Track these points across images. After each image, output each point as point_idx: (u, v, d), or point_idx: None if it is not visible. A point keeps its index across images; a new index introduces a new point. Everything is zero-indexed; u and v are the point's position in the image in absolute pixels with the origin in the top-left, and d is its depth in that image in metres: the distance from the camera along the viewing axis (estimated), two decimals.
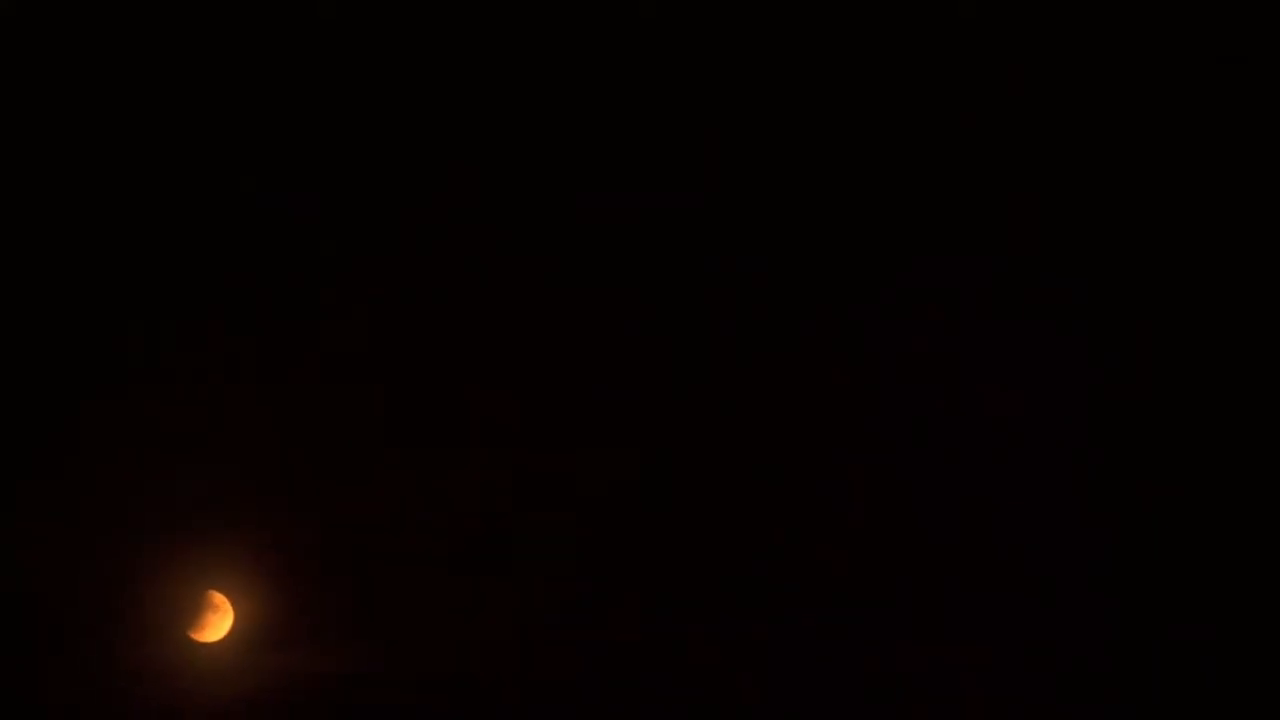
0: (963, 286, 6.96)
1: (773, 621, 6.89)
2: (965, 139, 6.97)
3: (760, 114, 7.01)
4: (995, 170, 6.97)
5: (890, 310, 6.96)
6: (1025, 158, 6.97)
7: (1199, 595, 6.79)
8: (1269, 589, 6.77)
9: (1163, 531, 6.84)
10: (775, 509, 6.95)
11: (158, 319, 6.94)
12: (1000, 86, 6.96)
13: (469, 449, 6.98)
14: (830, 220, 7.01)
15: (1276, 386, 6.85)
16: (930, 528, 6.91)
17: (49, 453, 6.87)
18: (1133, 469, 6.88)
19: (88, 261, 6.94)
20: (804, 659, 6.86)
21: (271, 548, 6.91)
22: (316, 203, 6.98)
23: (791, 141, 7.01)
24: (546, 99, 7.00)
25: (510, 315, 7.00)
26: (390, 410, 6.98)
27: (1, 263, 6.91)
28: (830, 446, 6.96)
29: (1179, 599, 6.80)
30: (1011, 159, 6.97)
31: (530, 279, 7.00)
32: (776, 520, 6.94)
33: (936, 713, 6.83)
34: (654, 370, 7.00)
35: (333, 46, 6.99)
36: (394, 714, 6.87)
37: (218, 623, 6.90)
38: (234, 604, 6.91)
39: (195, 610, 6.90)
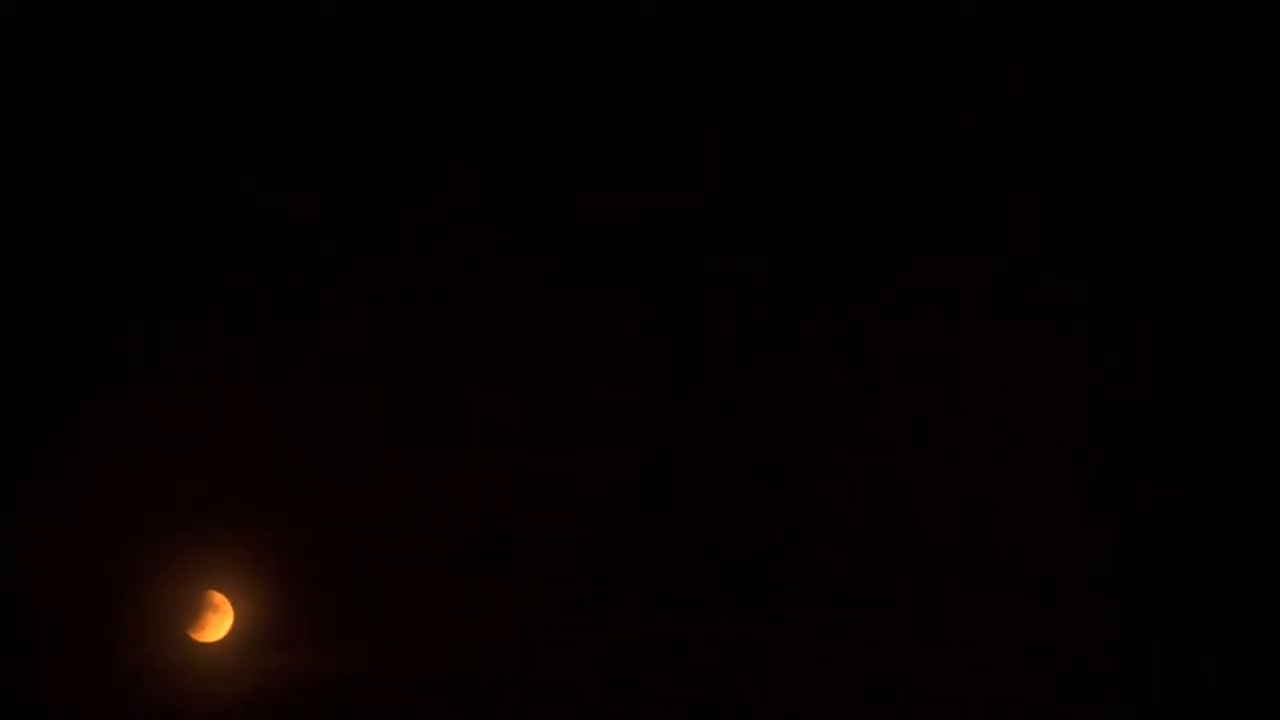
0: (963, 286, 6.96)
1: (773, 621, 6.89)
2: (965, 139, 6.97)
3: (760, 114, 7.01)
4: (995, 170, 6.97)
5: (890, 310, 6.96)
6: (1025, 158, 6.97)
7: (1199, 595, 6.79)
8: (1269, 589, 6.77)
9: (1163, 531, 6.84)
10: (775, 509, 6.94)
11: (158, 319, 6.94)
12: (1000, 86, 6.96)
13: (469, 449, 6.98)
14: (830, 220, 7.01)
15: (1276, 386, 6.85)
16: (930, 528, 6.91)
17: (49, 453, 6.87)
18: (1133, 469, 6.88)
19: (88, 261, 6.94)
20: (804, 659, 6.86)
21: (272, 548, 6.91)
22: (316, 203, 6.98)
23: (791, 141, 7.01)
24: (546, 99, 7.00)
25: (510, 315, 7.00)
26: (390, 410, 6.98)
27: (1, 263, 6.90)
28: (830, 446, 6.96)
29: (1179, 599, 6.80)
30: (1011, 159, 6.97)
31: (530, 279, 6.99)
32: (776, 520, 6.94)
33: (936, 713, 6.83)
34: (654, 370, 7.00)
35: (333, 46, 6.99)
36: (394, 714, 6.87)
37: (218, 623, 6.90)
38: (234, 604, 6.91)
39: (196, 610, 6.90)
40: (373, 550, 6.94)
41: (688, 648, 6.88)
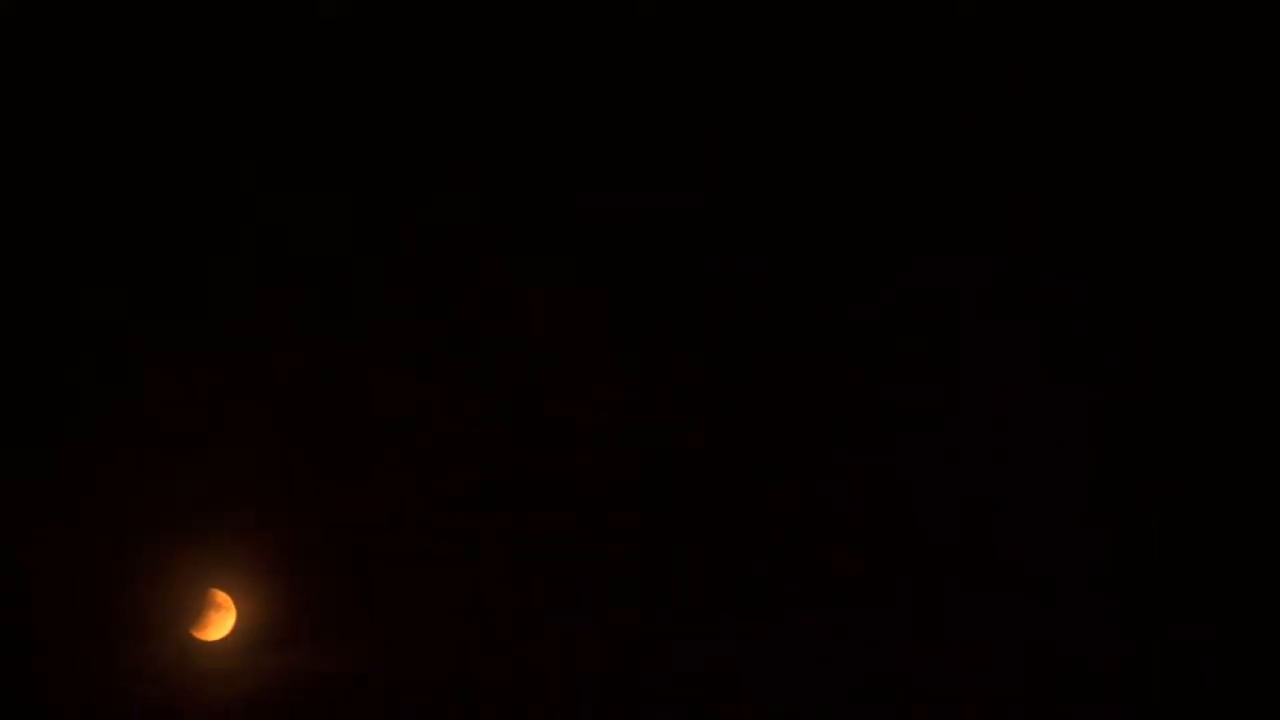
0: (963, 286, 6.96)
1: (773, 621, 6.89)
2: (965, 139, 6.97)
3: (760, 114, 7.01)
4: (995, 170, 6.97)
5: (890, 310, 6.97)
6: (1025, 158, 6.97)
7: (1199, 595, 6.80)
8: (1269, 589, 6.77)
9: (1163, 531, 6.84)
10: (775, 509, 6.95)
11: (158, 319, 6.94)
12: (1000, 86, 6.96)
13: (469, 449, 6.98)
14: (830, 220, 7.01)
15: (1277, 386, 6.85)
16: (930, 528, 6.92)
17: (49, 453, 6.87)
18: (1133, 469, 6.89)
19: (88, 261, 6.94)
20: (804, 659, 6.86)
21: (273, 547, 6.91)
22: (317, 203, 6.98)
23: (791, 141, 7.01)
24: (546, 99, 7.00)
25: (510, 315, 7.00)
26: (390, 410, 6.98)
27: (1, 263, 6.90)
28: (830, 446, 6.96)
29: (1179, 599, 6.80)
30: (1011, 159, 6.97)
31: (530, 279, 6.99)
32: (776, 520, 6.94)
33: (936, 713, 6.84)
34: (654, 370, 7.00)
35: (333, 46, 6.99)
36: (394, 714, 6.87)
37: (220, 621, 6.91)
38: (236, 603, 6.92)
39: (198, 609, 6.90)
40: (373, 550, 6.94)
41: (688, 648, 6.88)
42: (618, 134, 7.00)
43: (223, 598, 6.92)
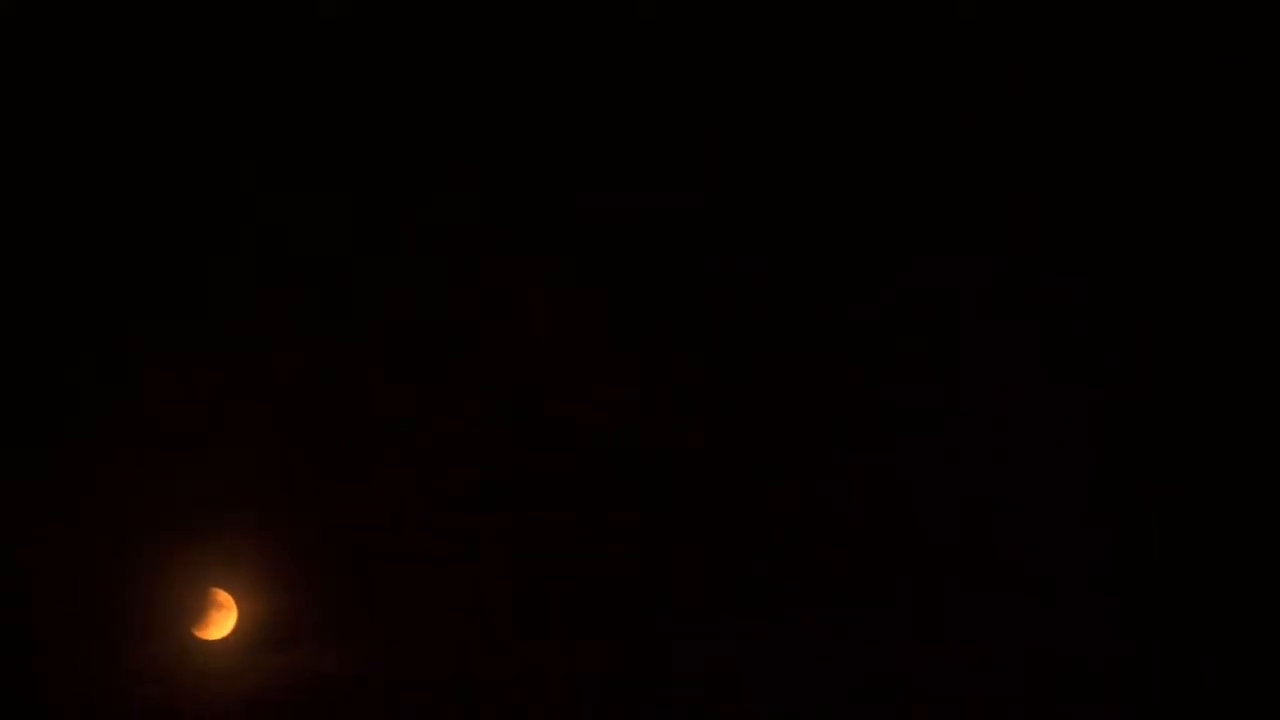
0: (963, 286, 6.96)
1: (773, 621, 6.89)
2: (965, 139, 6.97)
3: (760, 114, 7.01)
4: (995, 170, 6.97)
5: (890, 310, 6.97)
6: (1025, 158, 6.97)
7: (1199, 595, 6.79)
8: (1269, 589, 6.77)
9: (1163, 531, 6.84)
10: (775, 509, 6.95)
11: (158, 319, 6.94)
12: (1000, 86, 6.96)
13: (469, 449, 6.98)
14: (830, 220, 7.01)
15: (1277, 386, 6.85)
16: (930, 528, 6.92)
17: (49, 453, 6.87)
18: (1133, 469, 6.89)
19: (88, 261, 6.94)
20: (804, 659, 6.86)
21: (274, 547, 6.91)
22: (317, 203, 6.98)
23: (791, 141, 7.01)
24: (546, 99, 7.00)
25: (510, 315, 7.00)
26: (390, 410, 6.98)
27: (1, 263, 6.90)
28: (830, 446, 6.96)
29: (1179, 599, 6.80)
30: (1011, 159, 6.97)
31: (530, 279, 6.99)
32: (776, 520, 6.94)
33: (936, 713, 6.84)
34: (654, 370, 7.00)
35: (333, 46, 6.99)
36: (394, 714, 6.87)
37: (222, 620, 6.91)
38: (238, 602, 6.92)
39: (200, 608, 6.90)
40: (373, 550, 6.94)
41: (688, 648, 6.88)
42: (618, 134, 7.00)
43: (224, 597, 6.92)
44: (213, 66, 6.97)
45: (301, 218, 6.98)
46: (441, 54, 7.01)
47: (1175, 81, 6.92)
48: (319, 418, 6.96)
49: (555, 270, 6.99)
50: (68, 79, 6.94)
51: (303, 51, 6.98)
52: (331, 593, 6.93)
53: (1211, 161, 6.92)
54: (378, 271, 6.99)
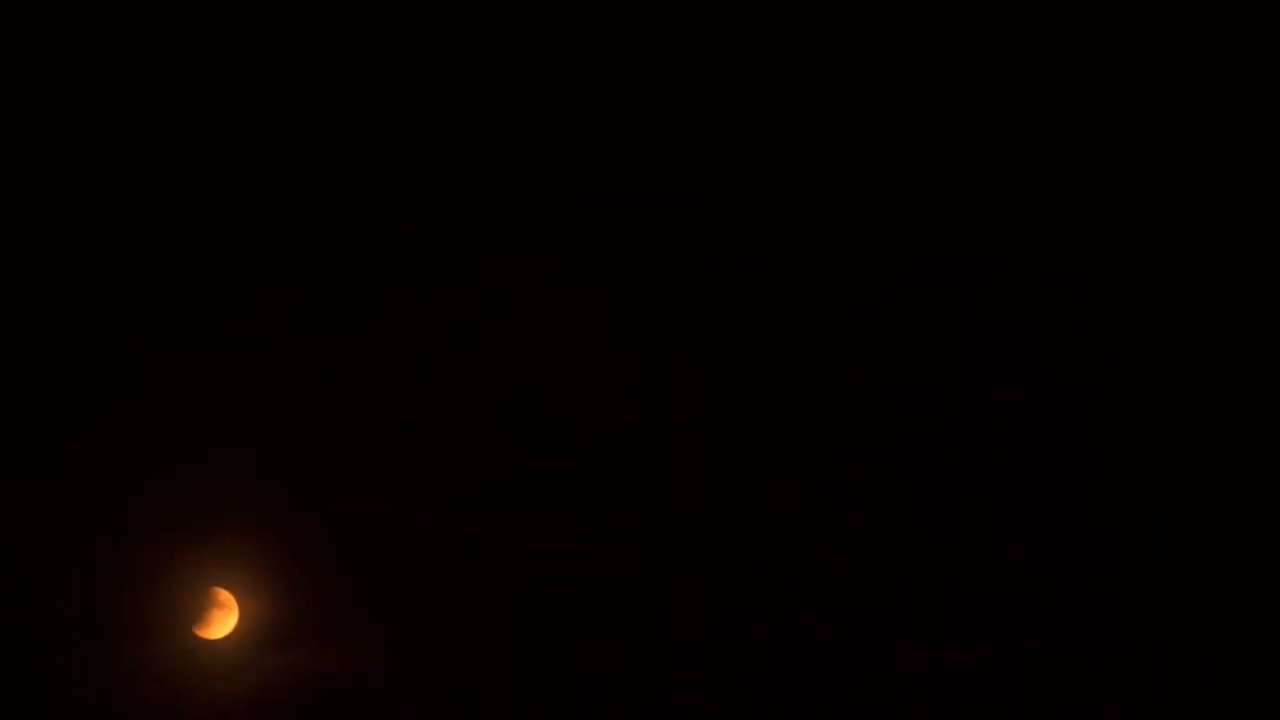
0: (963, 286, 6.96)
1: (773, 621, 6.89)
2: (965, 139, 6.97)
3: (760, 114, 7.01)
4: (995, 170, 6.97)
5: (890, 310, 6.96)
6: (1025, 158, 6.97)
7: (1199, 595, 6.79)
8: (1269, 589, 6.77)
9: (1163, 531, 6.84)
10: (775, 509, 6.95)
11: (158, 319, 6.94)
12: (1000, 86, 6.96)
13: (469, 449, 6.98)
14: (830, 220, 7.01)
15: (1277, 386, 6.85)
16: (930, 528, 6.92)
17: (49, 453, 6.87)
18: (1133, 469, 6.89)
19: (88, 261, 6.94)
20: (804, 659, 6.86)
21: (275, 547, 6.91)
22: (317, 203, 6.98)
23: (791, 141, 7.01)
24: (546, 99, 7.00)
25: (510, 315, 7.00)
26: (390, 410, 6.98)
27: (1, 263, 6.90)
28: (830, 446, 6.96)
29: (1179, 599, 6.80)
30: (1011, 159, 6.97)
31: (530, 279, 6.99)
32: (776, 520, 6.94)
33: (936, 713, 6.83)
34: (654, 370, 6.99)
35: (333, 46, 6.99)
36: (394, 714, 6.87)
37: (223, 620, 6.91)
38: (239, 601, 6.92)
39: (201, 607, 6.90)
40: (373, 550, 6.94)
41: (689, 648, 6.88)
42: (618, 134, 7.00)
43: (225, 596, 6.92)
44: (213, 66, 6.97)
45: (301, 218, 6.98)
46: (441, 54, 7.01)
47: (1175, 81, 6.92)
48: (319, 418, 6.96)
49: (555, 270, 6.99)
50: (68, 79, 6.94)
51: (303, 51, 6.98)
52: (331, 593, 6.93)
53: (1211, 161, 6.92)
54: (378, 271, 6.99)
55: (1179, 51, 6.91)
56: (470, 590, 6.92)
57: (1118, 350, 6.94)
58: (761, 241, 7.00)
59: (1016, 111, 6.96)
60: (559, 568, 6.93)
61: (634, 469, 6.96)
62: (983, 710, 6.82)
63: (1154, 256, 6.93)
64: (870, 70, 6.98)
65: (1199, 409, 6.87)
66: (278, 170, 6.97)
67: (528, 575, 6.93)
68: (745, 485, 6.95)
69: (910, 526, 6.92)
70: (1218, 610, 6.78)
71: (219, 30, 6.96)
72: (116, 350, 6.91)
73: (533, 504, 6.95)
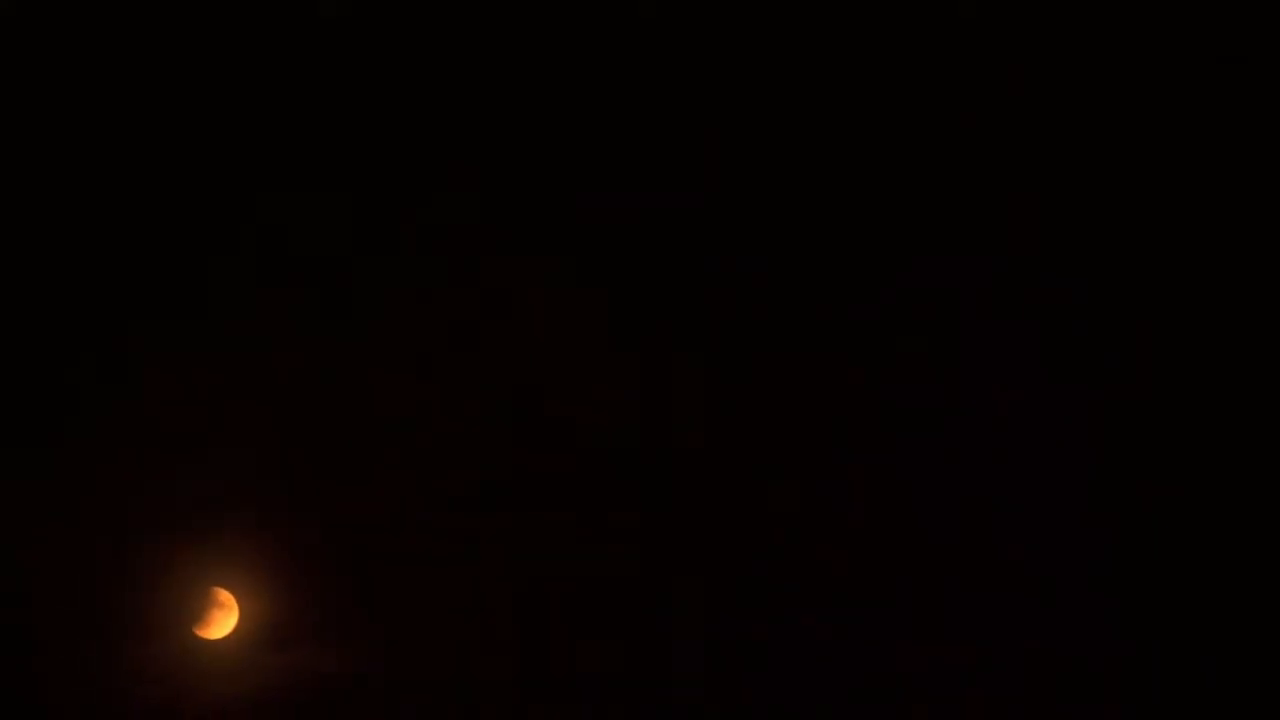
0: (963, 286, 6.96)
1: (773, 621, 6.89)
2: (965, 139, 6.97)
3: (760, 114, 7.01)
4: (995, 170, 6.97)
5: (890, 310, 6.96)
6: (1025, 158, 6.97)
7: (1199, 595, 6.79)
8: (1269, 589, 6.77)
9: (1163, 531, 6.84)
10: (775, 509, 6.95)
11: (158, 319, 6.94)
12: (1000, 86, 6.96)
13: (469, 449, 6.98)
14: (830, 220, 7.01)
15: (1277, 386, 6.85)
16: (930, 528, 6.92)
17: (49, 453, 6.87)
18: (1133, 469, 6.89)
19: (88, 261, 6.94)
20: (804, 659, 6.86)
21: (275, 547, 6.91)
22: (317, 203, 6.98)
23: (791, 141, 7.01)
24: (546, 99, 7.00)
25: (510, 315, 7.00)
26: (390, 410, 6.98)
27: (1, 262, 6.90)
28: (830, 446, 6.96)
29: (1179, 599, 6.80)
30: (1011, 159, 6.97)
31: (530, 279, 6.99)
32: (776, 520, 6.94)
33: (936, 713, 6.84)
34: (654, 370, 6.99)
35: (333, 46, 6.99)
36: (394, 714, 6.87)
37: (223, 620, 6.91)
38: (240, 601, 6.92)
39: (201, 607, 6.90)
40: (373, 550, 6.94)
41: (689, 648, 6.88)
42: (618, 134, 7.00)
43: (225, 596, 6.92)
44: (213, 66, 6.97)
45: (301, 218, 6.98)
46: (441, 54, 7.01)
47: (1175, 81, 6.92)
48: (319, 418, 6.96)
49: (555, 270, 6.99)
50: (68, 79, 6.94)
51: (303, 51, 6.98)
52: (331, 593, 6.93)
53: (1211, 161, 6.92)
54: (378, 271, 6.99)
55: (1179, 51, 6.91)
56: (470, 590, 6.92)
57: (1118, 350, 6.94)
58: (761, 241, 7.00)
59: (1016, 111, 6.96)
60: (559, 568, 6.93)
61: (634, 469, 6.96)
62: (983, 710, 6.82)
63: (1154, 256, 6.93)
64: (870, 70, 6.98)
65: (1199, 409, 6.87)
66: (278, 170, 6.97)
67: (528, 575, 6.93)
68: (745, 485, 6.95)
69: (910, 526, 6.92)
70: (1218, 610, 6.78)
71: (219, 30, 6.96)
72: (116, 350, 6.91)
73: (533, 504, 6.95)
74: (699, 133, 7.00)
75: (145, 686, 6.83)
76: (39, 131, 6.94)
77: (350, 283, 6.99)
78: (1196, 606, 6.79)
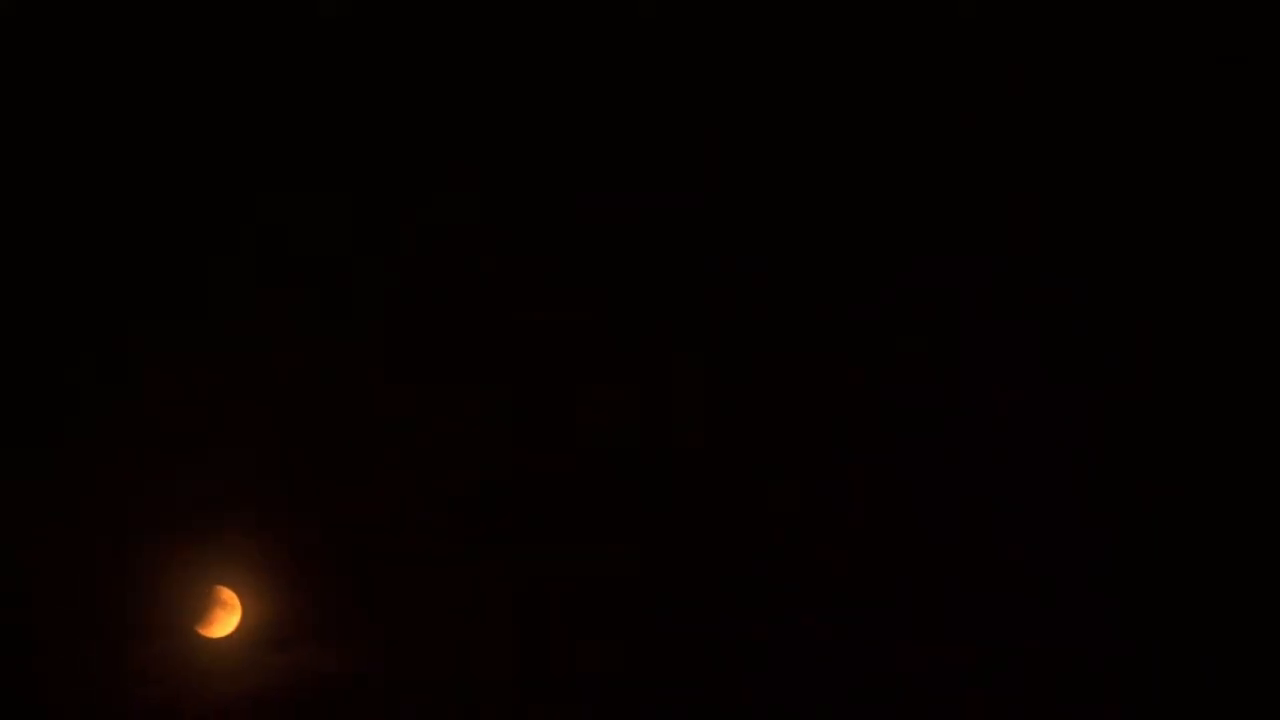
0: (963, 286, 6.96)
1: (773, 621, 6.89)
2: (965, 139, 6.97)
3: (760, 114, 7.01)
4: (995, 170, 6.97)
5: (890, 310, 6.96)
6: (1025, 158, 6.97)
7: (1199, 595, 6.79)
8: (1269, 589, 6.77)
9: (1163, 531, 6.84)
10: (775, 509, 6.95)
11: (158, 319, 6.94)
12: (1000, 86, 6.96)
13: (469, 449, 6.98)
14: (830, 220, 7.01)
15: (1277, 386, 6.85)
16: (930, 528, 6.92)
17: (49, 453, 6.87)
18: (1133, 469, 6.88)
19: (88, 261, 6.94)
20: (804, 659, 6.86)
21: (275, 547, 6.92)
22: (317, 203, 6.98)
23: (791, 141, 7.01)
24: (546, 99, 7.00)
25: (510, 315, 7.00)
26: (390, 410, 6.98)
27: (1, 262, 6.90)
28: (830, 446, 6.96)
29: (1179, 599, 6.80)
30: (1011, 159, 6.97)
31: (530, 279, 6.99)
32: (776, 520, 6.94)
33: (936, 713, 6.84)
34: (654, 370, 6.99)
35: (333, 46, 6.99)
36: (394, 713, 6.87)
37: (225, 619, 6.91)
38: (241, 600, 6.92)
39: (203, 606, 6.90)
40: (373, 550, 6.94)
41: (688, 648, 6.88)
42: (618, 134, 7.00)
43: (227, 595, 6.92)
44: (213, 66, 6.97)
45: (301, 218, 6.98)
46: (441, 54, 7.01)
47: (1175, 81, 6.91)
48: (319, 418, 6.96)
49: (555, 270, 6.99)
50: (68, 79, 6.94)
51: (303, 51, 6.98)
52: (331, 593, 6.93)
53: (1211, 161, 6.92)
54: (378, 271, 6.99)
55: (1179, 51, 6.91)
56: (470, 590, 6.92)
57: (1118, 350, 6.94)
58: (761, 241, 7.00)
59: (1016, 111, 6.96)
60: (559, 568, 6.93)
61: (634, 469, 6.96)
62: (983, 710, 6.82)
63: (1154, 256, 6.93)
64: (870, 70, 6.98)
65: (1199, 409, 6.87)
66: (278, 170, 6.97)
67: (528, 575, 6.93)
68: (745, 485, 6.95)
69: (910, 526, 6.92)
70: (1218, 610, 6.78)
71: (219, 30, 6.96)
72: (116, 350, 6.91)
73: (533, 504, 6.95)
74: (699, 133, 7.00)
75: (146, 686, 6.83)
76: (39, 131, 6.94)
77: (350, 283, 6.99)
78: (1196, 606, 6.79)
